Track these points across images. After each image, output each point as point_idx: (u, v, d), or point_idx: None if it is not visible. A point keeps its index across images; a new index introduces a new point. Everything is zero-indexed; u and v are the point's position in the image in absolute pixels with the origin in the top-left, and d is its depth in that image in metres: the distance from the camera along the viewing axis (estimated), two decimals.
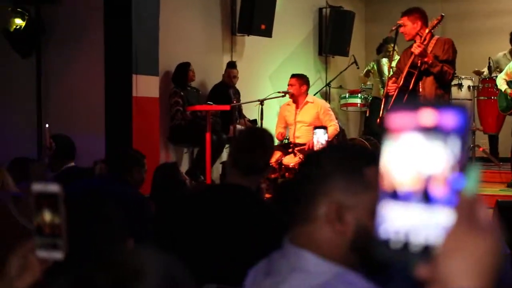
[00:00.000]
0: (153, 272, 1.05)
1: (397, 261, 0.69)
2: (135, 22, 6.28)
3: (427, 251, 0.68)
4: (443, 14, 5.29)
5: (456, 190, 0.67)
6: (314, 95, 8.39)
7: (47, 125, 5.26)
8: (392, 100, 5.37)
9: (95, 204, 1.83)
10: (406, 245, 0.69)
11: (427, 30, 5.32)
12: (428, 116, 0.70)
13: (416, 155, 0.69)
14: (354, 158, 1.37)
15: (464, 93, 8.31)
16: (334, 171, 1.31)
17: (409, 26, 5.39)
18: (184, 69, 7.09)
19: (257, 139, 2.69)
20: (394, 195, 0.70)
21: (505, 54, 8.19)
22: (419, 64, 5.30)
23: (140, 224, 3.12)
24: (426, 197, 0.68)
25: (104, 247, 1.67)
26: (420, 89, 5.40)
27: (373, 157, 1.35)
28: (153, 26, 6.54)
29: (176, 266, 1.11)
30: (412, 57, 5.32)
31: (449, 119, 0.69)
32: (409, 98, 5.29)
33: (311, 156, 1.54)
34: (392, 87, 5.55)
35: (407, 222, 0.69)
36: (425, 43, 5.32)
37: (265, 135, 2.77)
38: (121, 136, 6.19)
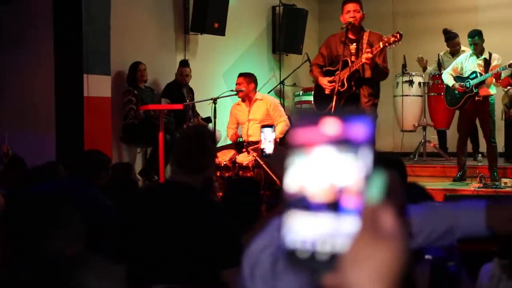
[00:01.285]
0: None
1: (304, 270, 0.69)
2: (86, 21, 6.23)
3: (334, 260, 0.67)
4: (401, 33, 5.34)
5: (361, 198, 0.68)
6: (268, 93, 8.46)
7: (6, 134, 5.16)
8: (334, 101, 5.36)
9: (53, 207, 1.84)
10: (313, 255, 0.68)
11: (381, 44, 5.34)
12: (335, 127, 0.69)
13: (326, 167, 0.69)
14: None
15: (414, 90, 8.48)
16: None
17: (360, 14, 5.49)
18: (135, 68, 7.05)
19: (196, 140, 2.70)
20: (303, 205, 0.69)
21: (445, 53, 8.38)
22: (359, 68, 5.41)
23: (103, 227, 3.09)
24: (335, 206, 0.68)
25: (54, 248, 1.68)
26: (361, 92, 5.51)
27: (389, 159, 1.59)
28: (104, 25, 6.49)
29: None
30: (359, 61, 5.37)
31: (357, 129, 0.69)
32: (348, 103, 5.39)
33: None
34: (328, 86, 5.58)
35: (314, 232, 0.68)
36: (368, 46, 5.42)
37: (205, 135, 2.78)
38: (73, 136, 6.13)
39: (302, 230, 0.69)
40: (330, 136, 0.69)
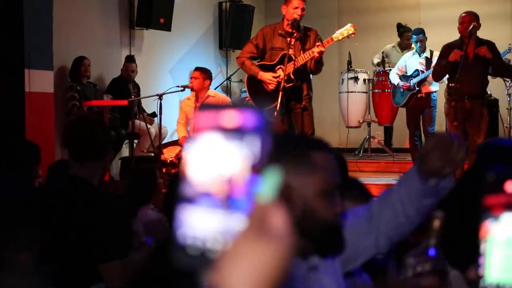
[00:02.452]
0: None
1: (194, 268, 0.66)
2: (27, 15, 6.05)
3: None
4: (354, 32, 5.45)
5: (252, 195, 0.66)
6: (215, 89, 8.41)
7: None
8: (280, 97, 5.37)
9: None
10: (203, 252, 0.66)
11: (335, 38, 5.45)
12: (229, 117, 0.67)
13: (215, 157, 0.67)
14: (299, 143, 1.53)
15: (359, 86, 8.59)
16: (284, 156, 1.39)
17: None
18: (79, 63, 6.91)
19: (80, 128, 2.62)
20: (195, 199, 0.67)
21: (393, 46, 8.57)
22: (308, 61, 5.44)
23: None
24: (227, 202, 0.66)
25: None
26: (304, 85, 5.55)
27: (318, 143, 1.52)
28: (47, 19, 6.32)
29: None
30: (308, 55, 5.40)
31: (250, 120, 0.67)
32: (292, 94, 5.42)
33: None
34: (274, 81, 5.53)
35: (206, 228, 0.66)
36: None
37: (91, 122, 2.69)
38: (14, 132, 5.95)
39: (194, 226, 0.67)
40: (224, 124, 0.67)
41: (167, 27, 8.08)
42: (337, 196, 1.46)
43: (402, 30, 8.43)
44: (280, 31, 5.52)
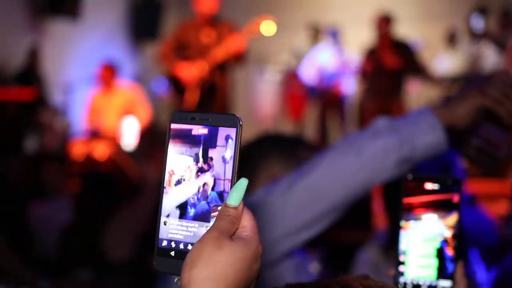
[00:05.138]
0: None
1: (171, 270, 0.73)
2: None
3: None
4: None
5: (223, 200, 0.71)
6: (127, 81, 8.25)
7: None
8: (199, 92, 5.33)
9: None
10: (180, 254, 0.72)
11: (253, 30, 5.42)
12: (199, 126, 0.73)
13: (180, 163, 0.73)
14: (288, 141, 1.73)
15: (267, 86, 8.67)
16: (272, 150, 1.67)
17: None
18: None
19: None
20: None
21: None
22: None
23: None
24: (197, 206, 0.73)
25: None
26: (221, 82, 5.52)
27: (301, 139, 1.80)
28: None
29: None
30: (227, 49, 5.36)
31: (223, 131, 0.72)
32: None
33: (254, 141, 1.79)
34: (190, 78, 5.46)
35: (181, 232, 0.73)
36: None
37: None
38: None
39: (172, 230, 0.73)
40: (196, 132, 0.74)
41: (75, 14, 7.81)
42: None
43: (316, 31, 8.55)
44: (198, 26, 5.46)
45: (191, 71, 5.42)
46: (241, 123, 0.72)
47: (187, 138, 0.73)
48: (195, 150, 0.73)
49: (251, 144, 1.79)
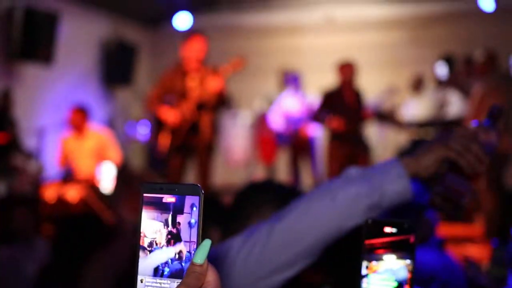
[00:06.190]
0: None
1: None
2: None
3: None
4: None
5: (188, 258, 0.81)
6: (99, 126, 8.28)
7: None
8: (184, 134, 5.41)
9: None
10: None
11: (229, 69, 5.54)
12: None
13: (152, 227, 0.83)
14: (280, 192, 1.75)
15: (240, 130, 8.77)
16: (263, 199, 1.70)
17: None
18: None
19: None
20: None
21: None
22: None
23: None
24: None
25: None
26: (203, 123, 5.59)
27: (295, 190, 1.82)
28: None
29: None
30: (206, 90, 5.45)
31: (189, 199, 0.82)
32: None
33: (244, 189, 1.83)
34: (173, 117, 5.53)
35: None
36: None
37: None
38: None
39: (150, 286, 0.84)
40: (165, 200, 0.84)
41: (48, 59, 7.87)
42: None
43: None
44: (182, 70, 5.58)
45: (175, 114, 5.51)
46: (203, 192, 0.82)
47: (158, 205, 0.83)
48: (165, 216, 0.82)
49: (241, 193, 1.80)
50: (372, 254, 1.05)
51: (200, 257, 0.79)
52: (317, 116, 6.67)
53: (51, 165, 7.12)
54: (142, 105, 5.97)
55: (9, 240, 3.86)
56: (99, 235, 4.42)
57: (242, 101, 8.90)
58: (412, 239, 1.04)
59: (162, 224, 0.82)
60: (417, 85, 7.99)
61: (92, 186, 6.17)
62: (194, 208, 0.82)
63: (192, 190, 0.82)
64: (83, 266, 3.49)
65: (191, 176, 6.23)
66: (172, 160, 5.52)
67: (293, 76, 7.66)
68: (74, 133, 6.75)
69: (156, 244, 0.82)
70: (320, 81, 8.61)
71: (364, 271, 1.05)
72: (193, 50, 5.56)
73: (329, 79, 8.09)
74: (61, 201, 6.07)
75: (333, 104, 6.47)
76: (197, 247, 0.80)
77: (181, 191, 0.82)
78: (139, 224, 0.83)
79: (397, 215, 1.53)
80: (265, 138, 8.51)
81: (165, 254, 0.82)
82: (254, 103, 8.92)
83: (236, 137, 8.73)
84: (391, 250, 1.05)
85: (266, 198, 1.71)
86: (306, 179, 8.42)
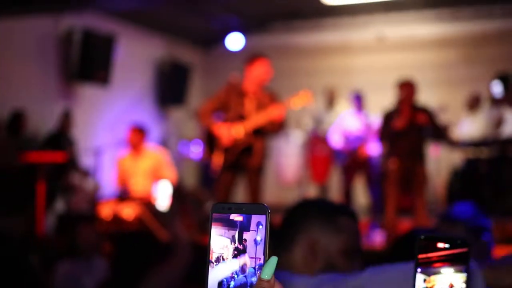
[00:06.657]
0: None
1: None
2: None
3: None
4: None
5: (256, 275, 0.85)
6: (154, 145, 8.44)
7: None
8: (236, 154, 5.42)
9: None
10: None
11: (296, 104, 5.57)
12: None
13: (220, 243, 0.88)
14: (329, 209, 1.76)
15: (292, 149, 8.78)
16: (312, 215, 1.72)
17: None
18: (17, 117, 6.82)
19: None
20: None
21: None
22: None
23: None
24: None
25: None
26: (257, 146, 5.59)
27: (346, 209, 1.80)
28: None
29: None
30: (265, 116, 5.45)
31: (256, 218, 0.87)
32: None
33: (295, 205, 1.86)
34: (228, 137, 5.47)
35: None
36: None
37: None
38: None
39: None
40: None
41: (106, 81, 8.11)
42: (358, 257, 1.67)
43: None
44: (239, 89, 5.52)
45: (230, 132, 5.48)
46: (269, 211, 0.87)
47: (226, 223, 0.88)
48: (232, 232, 0.88)
49: (292, 208, 1.85)
50: (429, 268, 1.07)
51: (268, 273, 0.83)
52: (382, 135, 6.56)
53: (107, 183, 7.29)
54: (194, 116, 5.95)
55: (71, 255, 3.99)
56: (155, 252, 4.50)
57: (292, 120, 8.93)
58: (466, 252, 1.05)
59: (229, 240, 0.87)
60: (474, 104, 7.88)
61: (147, 204, 6.27)
62: (260, 226, 0.86)
63: (258, 209, 0.87)
64: (139, 283, 3.57)
65: (240, 195, 6.26)
66: (222, 177, 5.49)
67: (356, 95, 7.67)
68: (131, 152, 6.85)
69: (223, 259, 0.87)
70: (372, 100, 8.59)
71: (422, 284, 1.07)
72: (257, 73, 5.50)
73: (378, 98, 8.07)
74: (116, 219, 6.19)
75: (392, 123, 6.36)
76: (264, 263, 0.85)
77: (248, 210, 0.87)
78: (209, 240, 0.88)
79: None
80: (317, 157, 8.51)
81: (229, 267, 0.86)
82: (303, 122, 8.94)
83: (288, 157, 8.76)
84: (446, 263, 1.06)
85: (314, 214, 1.75)
86: (361, 199, 8.38)
